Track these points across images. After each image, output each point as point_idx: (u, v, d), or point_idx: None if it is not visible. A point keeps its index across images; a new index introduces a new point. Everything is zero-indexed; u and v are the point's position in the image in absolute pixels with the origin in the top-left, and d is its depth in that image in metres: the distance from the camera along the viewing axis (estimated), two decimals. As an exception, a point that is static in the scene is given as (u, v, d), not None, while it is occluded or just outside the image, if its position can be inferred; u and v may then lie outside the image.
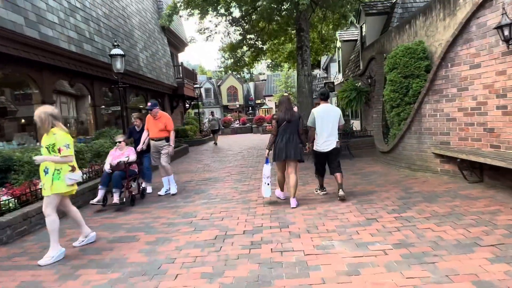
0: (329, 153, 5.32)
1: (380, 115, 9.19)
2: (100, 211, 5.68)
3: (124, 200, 5.77)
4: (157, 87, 17.16)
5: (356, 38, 19.21)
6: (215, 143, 17.61)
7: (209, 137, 20.32)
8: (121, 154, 5.97)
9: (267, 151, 5.26)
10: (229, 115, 37.53)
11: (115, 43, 9.24)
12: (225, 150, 14.42)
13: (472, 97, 5.57)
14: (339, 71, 20.51)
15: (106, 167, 5.82)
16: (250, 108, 43.90)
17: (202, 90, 42.82)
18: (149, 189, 6.93)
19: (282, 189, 5.42)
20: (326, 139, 5.26)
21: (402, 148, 7.15)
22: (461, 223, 3.84)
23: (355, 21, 17.00)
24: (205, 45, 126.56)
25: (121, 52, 9.11)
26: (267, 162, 5.26)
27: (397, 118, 7.52)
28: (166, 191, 6.65)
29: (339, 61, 20.21)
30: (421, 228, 3.82)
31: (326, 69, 28.71)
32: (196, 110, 40.38)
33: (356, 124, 15.41)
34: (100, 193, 5.66)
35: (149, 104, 6.56)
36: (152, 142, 6.59)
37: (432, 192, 5.23)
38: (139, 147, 6.43)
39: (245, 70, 67.43)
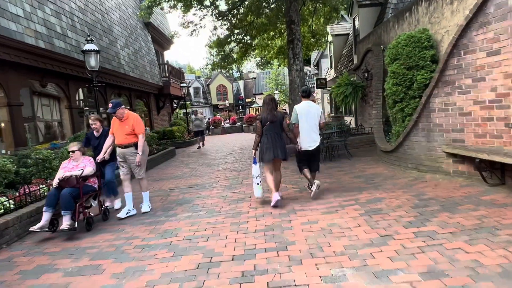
0: (314, 151, 5.37)
1: (380, 111, 8.51)
2: (49, 239, 4.50)
3: (76, 224, 4.47)
4: (141, 86, 16.26)
5: (348, 32, 18.58)
6: (199, 147, 15.58)
7: (197, 138, 19.49)
8: (75, 166, 4.86)
9: (254, 151, 5.32)
10: (218, 114, 36.68)
11: (88, 38, 8.36)
12: (214, 152, 13.63)
13: (490, 88, 4.90)
14: (331, 67, 19.86)
15: (54, 183, 4.63)
16: (240, 107, 43.08)
17: (191, 89, 41.91)
18: (117, 204, 5.81)
19: (277, 190, 5.19)
20: (309, 137, 5.28)
21: (408, 147, 6.48)
22: (497, 241, 3.15)
23: (347, 14, 16.36)
24: (194, 45, 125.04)
25: (95, 48, 8.24)
26: (254, 162, 5.31)
27: (400, 114, 6.84)
28: (127, 213, 5.25)
29: (330, 56, 19.56)
30: (450, 248, 3.12)
31: (317, 65, 28.08)
32: (186, 110, 39.59)
33: (350, 121, 14.75)
34: (45, 216, 4.42)
35: (110, 105, 5.22)
36: (118, 150, 5.37)
37: (449, 199, 4.55)
38: (100, 157, 5.23)
39: (234, 68, 66.50)
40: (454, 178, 5.50)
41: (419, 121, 6.13)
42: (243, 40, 15.21)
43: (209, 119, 31.49)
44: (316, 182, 5.25)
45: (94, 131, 5.72)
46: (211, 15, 13.67)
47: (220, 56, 14.91)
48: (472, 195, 4.57)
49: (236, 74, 64.95)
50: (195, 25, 12.83)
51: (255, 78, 48.88)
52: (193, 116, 17.16)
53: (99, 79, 11.20)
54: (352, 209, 4.55)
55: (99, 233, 4.58)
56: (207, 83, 44.12)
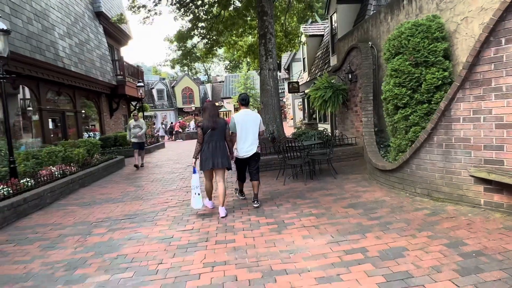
0: (249, 158, 5.29)
1: (370, 119, 7.03)
2: None
3: None
4: (89, 84, 13.96)
5: (322, 33, 17.32)
6: (137, 166, 10.51)
7: (156, 144, 17.31)
8: None
9: (194, 160, 5.10)
10: (180, 118, 34.40)
11: (-8, 12, 6.20)
12: (171, 163, 11.63)
13: (549, 90, 3.48)
14: (304, 70, 18.50)
15: None
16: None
17: (154, 91, 39.31)
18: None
19: (210, 198, 5.34)
20: (246, 145, 5.21)
21: (417, 167, 4.97)
22: None
23: (324, 11, 15.06)
24: (162, 45, 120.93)
25: (3, 26, 6.10)
26: (194, 171, 5.09)
27: (403, 123, 5.35)
28: None
29: (304, 59, 18.21)
30: None
31: (288, 69, 26.80)
32: (148, 114, 36.83)
33: (325, 129, 13.32)
34: None
35: None
36: None
37: (507, 253, 3.01)
38: None
39: (202, 70, 64.40)
40: (488, 213, 4.02)
41: (435, 134, 4.63)
42: (208, 36, 13.40)
43: (171, 123, 29.22)
44: (255, 204, 5.25)
45: None
46: (171, 4, 11.79)
47: (181, 51, 12.96)
48: (537, 248, 3.07)
49: (203, 77, 62.74)
50: (149, 10, 10.86)
51: (223, 81, 47.01)
52: (131, 122, 10.85)
53: (26, 72, 9.01)
54: (362, 273, 2.89)
55: None
56: (172, 85, 41.64)
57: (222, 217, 4.78)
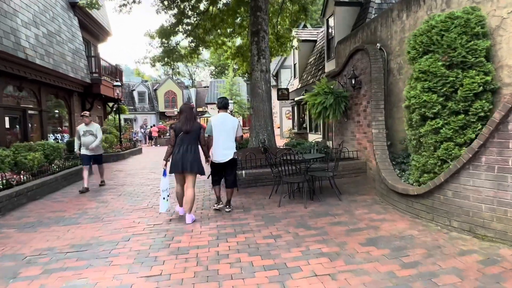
0: (226, 164, 5.16)
1: (382, 131, 6.01)
2: None
3: None
4: (57, 80, 12.49)
5: (315, 38, 16.47)
6: (82, 191, 7.25)
7: (132, 150, 15.87)
8: None
9: (164, 162, 4.85)
10: (161, 122, 32.87)
11: None
12: (146, 172, 10.30)
13: None
14: (294, 76, 17.55)
15: None
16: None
17: (135, 93, 37.62)
18: None
19: (181, 204, 5.10)
20: (222, 150, 5.09)
21: (455, 194, 3.92)
22: None
23: (320, 15, 14.18)
24: (145, 47, 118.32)
25: None
26: (164, 174, 4.88)
27: (432, 137, 4.32)
28: None
29: (295, 65, 17.27)
30: None
31: (276, 75, 25.85)
32: (127, 116, 35.05)
33: (314, 141, 12.32)
34: None
35: None
36: None
37: None
38: None
39: (186, 74, 62.73)
40: None
41: (483, 153, 3.60)
42: (193, 33, 12.23)
43: (151, 126, 27.70)
44: (226, 209, 5.22)
45: None
46: (153, -6, 10.60)
47: (163, 48, 11.72)
48: None
49: (188, 82, 61.24)
50: (127, -3, 9.63)
51: (208, 86, 45.75)
52: (80, 127, 7.66)
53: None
54: None
55: None
56: (154, 88, 40.02)
57: (188, 224, 4.68)
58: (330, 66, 11.93)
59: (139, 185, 8.00)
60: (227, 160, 5.08)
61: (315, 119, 8.61)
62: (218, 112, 5.31)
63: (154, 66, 11.89)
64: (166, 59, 11.94)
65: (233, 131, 5.17)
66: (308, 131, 15.58)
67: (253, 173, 7.06)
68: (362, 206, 5.24)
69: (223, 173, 5.28)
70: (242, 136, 5.41)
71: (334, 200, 5.68)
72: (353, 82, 7.66)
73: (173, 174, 4.86)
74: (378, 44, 7.09)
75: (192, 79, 66.01)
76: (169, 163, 4.86)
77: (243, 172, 7.03)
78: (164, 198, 4.85)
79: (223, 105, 5.26)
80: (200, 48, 12.78)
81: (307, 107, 8.67)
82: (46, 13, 11.99)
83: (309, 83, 14.44)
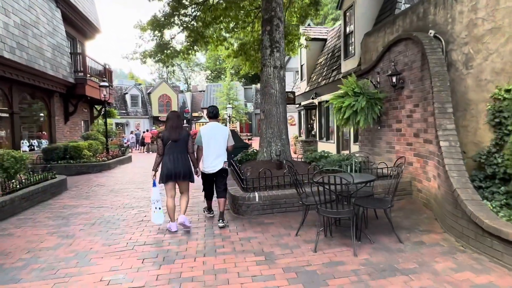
0: (216, 174, 5.04)
1: (455, 144, 4.39)
2: None
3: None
4: (34, 78, 10.83)
5: (324, 37, 14.96)
6: None
7: (120, 158, 14.11)
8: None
9: (153, 172, 4.81)
10: (154, 128, 31.08)
11: None
12: (134, 187, 8.59)
13: None
14: (301, 79, 15.99)
15: None
16: (185, 121, 37.88)
17: (128, 96, 35.86)
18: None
19: (173, 220, 4.78)
20: (212, 160, 4.98)
21: None
22: None
23: (337, 7, 12.68)
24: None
25: None
26: (154, 184, 4.82)
27: None
28: None
29: (302, 66, 15.71)
30: None
31: (278, 79, 24.30)
32: (119, 121, 33.22)
33: (328, 149, 10.70)
34: None
35: None
36: None
37: None
38: None
39: (182, 78, 61.26)
40: None
41: None
42: (191, 26, 10.63)
43: (144, 132, 25.90)
44: (220, 224, 4.87)
45: None
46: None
47: (155, 41, 10.08)
48: None
49: (183, 86, 59.61)
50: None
51: (204, 91, 44.12)
52: None
53: None
54: None
55: None
56: (148, 91, 38.25)
57: (180, 223, 4.63)
58: (348, 65, 10.39)
59: (121, 208, 6.29)
60: (217, 170, 4.98)
61: (342, 126, 6.99)
62: (209, 121, 5.27)
63: (144, 62, 10.23)
64: (159, 55, 10.28)
65: (224, 141, 5.06)
66: (318, 139, 13.98)
67: (269, 196, 5.41)
68: (440, 255, 3.60)
69: (213, 184, 5.17)
70: (233, 145, 5.27)
71: (390, 240, 4.05)
72: (394, 80, 6.08)
73: (162, 184, 4.72)
74: (431, 31, 5.53)
75: (187, 83, 64.33)
76: (158, 173, 4.74)
77: (256, 195, 5.38)
78: (158, 209, 4.80)
79: (213, 114, 5.22)
80: (198, 44, 11.14)
81: (333, 111, 7.05)
82: (20, 0, 10.32)
83: (320, 85, 12.89)
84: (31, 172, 7.73)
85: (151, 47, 10.20)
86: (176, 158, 4.65)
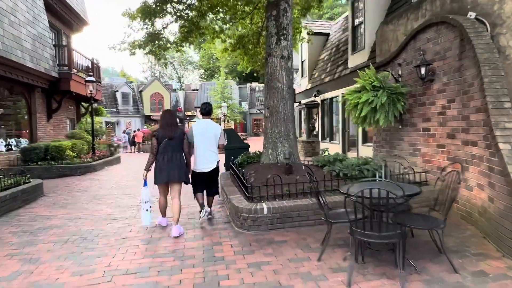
0: (209, 174, 4.94)
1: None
2: None
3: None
4: (10, 71, 9.80)
5: (327, 31, 14.13)
6: None
7: (107, 159, 13.07)
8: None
9: (145, 172, 4.60)
10: (146, 127, 29.99)
11: None
12: (120, 194, 7.64)
13: None
14: (302, 75, 15.14)
15: None
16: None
17: (118, 94, 34.71)
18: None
19: (164, 215, 4.85)
20: (204, 158, 4.87)
21: None
22: None
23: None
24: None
25: None
26: (145, 184, 4.62)
27: None
28: None
29: (302, 62, 14.86)
30: None
31: (276, 76, 23.44)
32: (109, 119, 31.98)
33: (331, 150, 9.87)
34: None
35: None
36: None
37: None
38: None
39: (174, 77, 60.48)
40: None
41: None
42: (185, 15, 9.69)
43: (135, 131, 24.79)
44: (207, 209, 4.99)
45: None
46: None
47: (146, 30, 9.11)
48: None
49: (176, 85, 58.41)
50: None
51: (197, 89, 43.08)
52: None
53: None
54: None
55: None
56: (139, 89, 37.10)
57: (175, 237, 4.30)
58: (357, 59, 9.56)
59: (102, 220, 5.33)
60: (210, 169, 4.90)
61: (358, 125, 6.13)
62: (202, 118, 5.19)
63: (134, 54, 9.23)
64: (150, 45, 9.32)
65: (215, 139, 4.96)
66: (320, 139, 13.13)
67: (280, 208, 4.51)
68: (515, 292, 2.75)
69: (204, 183, 5.02)
70: (224, 144, 5.23)
71: (440, 268, 3.18)
72: (423, 72, 5.23)
73: (154, 185, 4.58)
74: (471, 13, 4.69)
75: (180, 82, 63.10)
76: (150, 173, 4.57)
77: (265, 206, 4.48)
78: (147, 210, 4.62)
79: (207, 111, 5.15)
80: (193, 35, 10.19)
81: (347, 108, 6.19)
82: (-7, -17, 9.28)
83: (323, 82, 12.05)
84: (1, 176, 6.72)
85: (141, 37, 9.22)
86: (170, 158, 4.46)
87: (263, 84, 38.86)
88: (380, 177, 4.56)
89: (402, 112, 5.73)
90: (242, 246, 3.98)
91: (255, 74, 51.55)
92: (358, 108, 5.86)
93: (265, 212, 4.47)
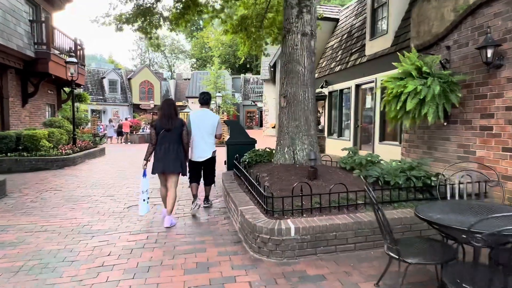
0: (204, 163, 5.04)
1: None
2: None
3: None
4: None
5: (336, 16, 12.94)
6: None
7: (90, 151, 11.69)
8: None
9: (144, 162, 4.58)
10: (134, 116, 28.46)
11: None
12: (100, 195, 6.41)
13: None
14: (306, 65, 13.90)
15: None
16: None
17: (105, 81, 32.94)
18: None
19: (166, 206, 4.62)
20: (200, 148, 4.92)
21: None
22: None
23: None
24: (127, 38, 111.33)
25: None
26: (144, 175, 4.59)
27: None
28: None
29: (307, 50, 13.62)
30: None
31: (274, 67, 22.23)
32: (94, 107, 30.28)
33: (340, 148, 8.75)
34: None
35: None
36: None
37: None
38: None
39: (165, 66, 58.88)
40: None
41: None
42: (182, -12, 8.37)
43: (122, 120, 23.28)
44: (198, 203, 4.99)
45: None
46: None
47: (135, 2, 7.78)
48: None
49: (166, 74, 56.49)
50: None
51: (189, 79, 41.48)
52: None
53: None
54: None
55: None
56: (128, 77, 35.32)
57: (166, 227, 4.31)
58: (376, 45, 8.43)
59: (74, 234, 4.11)
60: (205, 158, 4.94)
61: (399, 119, 4.99)
62: (200, 107, 5.16)
63: (121, 29, 7.88)
64: (140, 21, 8.00)
65: (213, 129, 4.98)
66: (326, 135, 12.02)
67: (311, 229, 3.37)
68: None
69: (201, 172, 5.10)
70: (221, 134, 5.23)
71: None
72: (489, 55, 4.12)
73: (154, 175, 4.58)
74: None
75: (171, 71, 61.15)
76: (149, 163, 4.55)
77: (292, 226, 3.34)
78: (144, 200, 4.57)
79: (205, 100, 5.14)
80: (190, 13, 8.88)
81: (384, 99, 5.05)
82: None
83: (333, 71, 10.91)
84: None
85: (129, 10, 7.88)
86: (167, 149, 4.45)
87: (257, 76, 37.41)
88: (444, 191, 3.45)
89: (456, 105, 4.63)
90: (266, 285, 2.84)
91: (248, 66, 50.09)
92: (401, 100, 4.73)
93: (293, 233, 3.33)
